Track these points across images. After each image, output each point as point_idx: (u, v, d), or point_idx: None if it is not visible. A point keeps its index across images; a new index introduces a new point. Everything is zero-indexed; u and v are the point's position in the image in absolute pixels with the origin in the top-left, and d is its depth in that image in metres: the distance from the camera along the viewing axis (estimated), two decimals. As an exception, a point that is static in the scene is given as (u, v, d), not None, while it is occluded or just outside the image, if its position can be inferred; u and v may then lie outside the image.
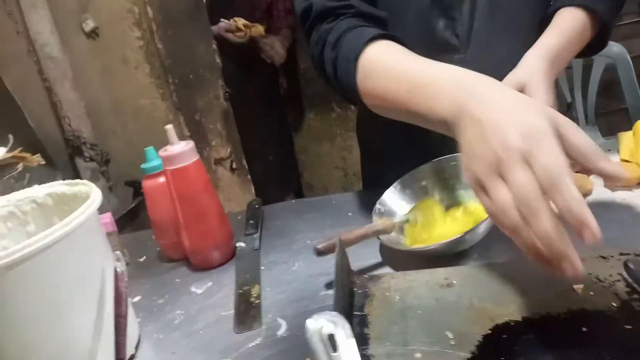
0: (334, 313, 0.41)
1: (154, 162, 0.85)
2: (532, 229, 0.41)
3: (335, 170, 2.64)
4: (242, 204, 0.95)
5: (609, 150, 0.89)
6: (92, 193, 0.63)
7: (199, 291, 0.77)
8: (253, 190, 1.90)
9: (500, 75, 0.63)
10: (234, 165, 1.81)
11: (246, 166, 1.89)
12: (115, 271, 0.58)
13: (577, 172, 0.80)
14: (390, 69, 0.63)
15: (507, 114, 0.44)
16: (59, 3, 1.66)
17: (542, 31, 0.73)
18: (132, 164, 1.67)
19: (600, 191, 0.77)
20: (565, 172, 0.40)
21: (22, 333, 0.53)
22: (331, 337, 0.39)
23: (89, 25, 1.66)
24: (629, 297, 0.52)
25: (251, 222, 0.92)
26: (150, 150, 0.86)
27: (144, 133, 1.63)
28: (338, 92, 0.76)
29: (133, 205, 1.49)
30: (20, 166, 0.84)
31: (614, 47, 1.86)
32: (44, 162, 0.88)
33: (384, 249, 0.75)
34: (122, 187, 1.65)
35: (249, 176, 1.90)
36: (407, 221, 0.75)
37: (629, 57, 1.84)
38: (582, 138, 0.44)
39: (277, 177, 2.23)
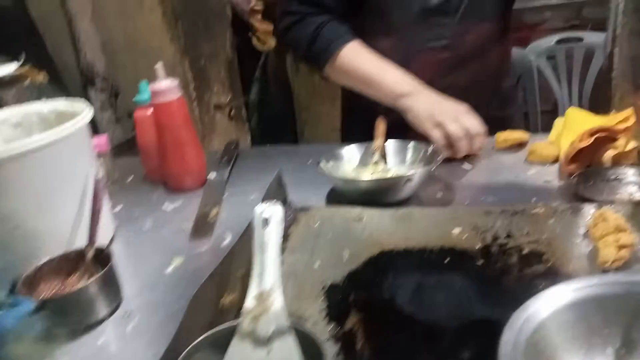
0: (276, 203, 0.53)
1: (144, 95, 0.98)
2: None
3: (333, 132, 2.74)
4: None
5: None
6: (84, 111, 0.77)
7: (170, 208, 0.92)
8: (249, 139, 2.04)
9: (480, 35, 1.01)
10: (232, 114, 1.93)
11: (244, 117, 2.01)
12: (95, 177, 0.72)
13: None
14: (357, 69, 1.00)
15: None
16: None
17: None
18: (138, 99, 1.81)
19: (515, 162, 0.90)
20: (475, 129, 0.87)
21: (14, 213, 0.68)
22: (266, 220, 0.52)
23: (111, -35, 1.76)
24: (491, 242, 0.65)
25: (225, 158, 1.05)
26: (143, 84, 0.99)
27: (152, 72, 1.75)
28: (301, 56, 1.06)
29: (132, 135, 1.63)
30: (27, 81, 0.96)
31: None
32: (47, 79, 1.00)
33: (334, 194, 0.87)
34: (127, 119, 1.80)
35: (247, 126, 2.03)
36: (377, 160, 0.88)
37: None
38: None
39: (275, 131, 2.36)
